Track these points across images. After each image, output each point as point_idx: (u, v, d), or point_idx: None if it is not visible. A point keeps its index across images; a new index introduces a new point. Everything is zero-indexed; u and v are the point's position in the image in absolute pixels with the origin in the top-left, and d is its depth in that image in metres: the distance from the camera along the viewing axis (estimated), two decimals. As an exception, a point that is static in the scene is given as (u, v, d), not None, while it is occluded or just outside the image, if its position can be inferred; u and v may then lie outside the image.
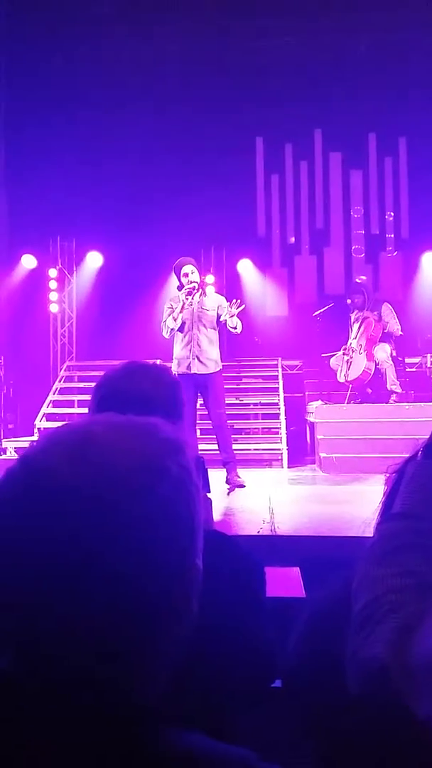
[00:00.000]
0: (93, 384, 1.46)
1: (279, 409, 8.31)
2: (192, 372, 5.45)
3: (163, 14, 8.76)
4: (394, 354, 7.54)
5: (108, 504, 0.62)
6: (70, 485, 0.62)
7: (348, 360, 7.43)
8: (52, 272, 10.36)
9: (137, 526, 0.62)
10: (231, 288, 9.45)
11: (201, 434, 6.50)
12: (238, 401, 8.63)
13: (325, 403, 7.59)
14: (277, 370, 9.25)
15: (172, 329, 5.58)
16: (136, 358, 1.66)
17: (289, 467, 7.04)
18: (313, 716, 0.77)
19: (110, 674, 0.61)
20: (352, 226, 10.41)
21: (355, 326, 7.59)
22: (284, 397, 8.58)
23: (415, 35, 9.04)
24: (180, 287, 5.71)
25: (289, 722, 0.85)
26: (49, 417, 8.59)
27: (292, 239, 10.45)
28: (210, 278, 9.56)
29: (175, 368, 5.48)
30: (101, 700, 0.60)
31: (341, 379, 7.54)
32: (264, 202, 10.41)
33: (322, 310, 8.21)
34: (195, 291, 5.58)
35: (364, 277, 9.76)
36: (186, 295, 5.56)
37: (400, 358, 7.77)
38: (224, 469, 5.57)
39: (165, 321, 5.65)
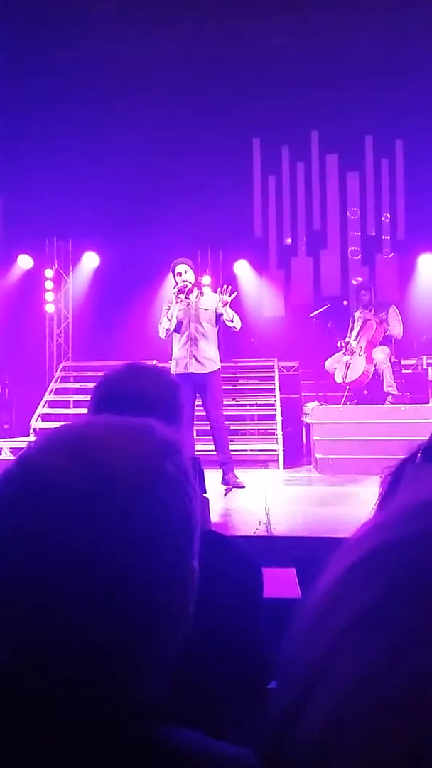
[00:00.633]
0: (89, 384, 1.47)
1: (275, 410, 8.32)
2: (190, 371, 5.38)
3: (161, 15, 8.75)
4: (393, 357, 7.55)
5: (105, 505, 0.62)
6: (68, 486, 0.62)
7: (347, 361, 7.43)
8: (49, 272, 10.35)
9: (134, 526, 0.62)
10: (228, 289, 9.45)
11: (197, 435, 6.49)
12: (234, 402, 8.62)
13: (322, 405, 7.59)
14: (274, 372, 9.25)
15: (168, 329, 5.53)
16: (132, 359, 1.67)
17: (285, 468, 7.04)
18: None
19: (108, 674, 0.61)
20: (349, 228, 10.43)
21: (357, 325, 7.55)
22: (280, 398, 8.60)
23: (412, 38, 9.05)
24: (176, 287, 5.69)
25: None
26: (45, 417, 8.59)
27: (289, 240, 10.47)
28: (207, 279, 9.56)
29: (173, 368, 5.44)
30: (99, 700, 0.60)
31: (339, 380, 7.53)
32: (261, 204, 10.42)
33: (318, 312, 8.22)
34: (190, 290, 5.53)
35: (360, 279, 9.78)
36: (177, 294, 5.51)
37: (396, 360, 7.78)
38: (220, 470, 5.55)
39: (161, 321, 5.63)
